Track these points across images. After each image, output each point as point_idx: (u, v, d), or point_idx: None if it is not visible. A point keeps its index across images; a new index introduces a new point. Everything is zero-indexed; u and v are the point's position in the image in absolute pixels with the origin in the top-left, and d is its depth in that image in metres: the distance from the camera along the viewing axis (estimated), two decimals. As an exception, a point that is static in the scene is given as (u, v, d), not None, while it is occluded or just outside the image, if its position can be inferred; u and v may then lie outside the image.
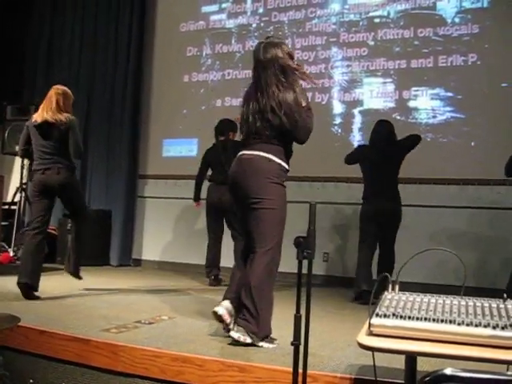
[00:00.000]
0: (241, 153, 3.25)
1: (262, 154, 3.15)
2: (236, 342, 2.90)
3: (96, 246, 7.02)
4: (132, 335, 3.06)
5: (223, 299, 3.24)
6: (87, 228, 5.74)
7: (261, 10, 7.07)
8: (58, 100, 4.65)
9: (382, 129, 5.25)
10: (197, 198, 5.99)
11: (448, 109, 6.10)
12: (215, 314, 3.10)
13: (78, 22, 7.88)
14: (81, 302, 4.10)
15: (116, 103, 7.50)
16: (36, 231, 4.46)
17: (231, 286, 3.35)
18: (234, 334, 2.92)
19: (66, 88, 4.83)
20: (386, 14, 6.46)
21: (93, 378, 2.81)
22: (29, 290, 4.26)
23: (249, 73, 6.90)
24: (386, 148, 5.13)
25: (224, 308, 3.12)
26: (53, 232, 7.13)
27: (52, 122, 4.56)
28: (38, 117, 4.61)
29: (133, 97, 7.43)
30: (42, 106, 4.70)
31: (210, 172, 5.98)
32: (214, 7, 7.32)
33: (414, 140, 5.19)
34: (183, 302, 4.53)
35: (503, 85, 5.85)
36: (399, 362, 2.22)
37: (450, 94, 6.09)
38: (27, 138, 4.73)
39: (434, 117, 6.16)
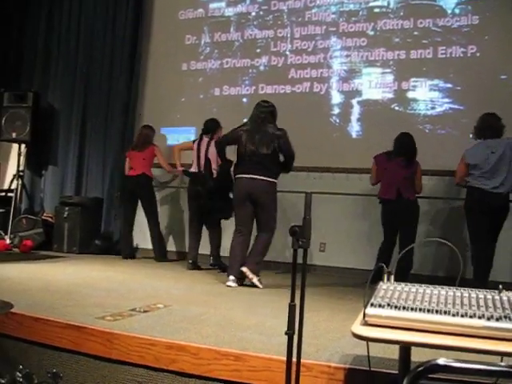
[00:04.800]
0: None
1: None
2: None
3: (89, 235, 7.02)
4: (127, 323, 3.05)
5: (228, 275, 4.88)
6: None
7: (260, -1, 7.03)
8: None
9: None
10: None
11: (447, 100, 6.09)
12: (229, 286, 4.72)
13: (75, 10, 7.83)
14: (76, 290, 4.09)
15: (113, 91, 7.47)
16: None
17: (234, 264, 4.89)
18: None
19: None
20: (385, 4, 6.43)
21: (87, 366, 2.80)
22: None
23: (247, 61, 6.99)
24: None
25: (232, 281, 4.82)
26: (49, 220, 7.12)
27: None
28: None
29: (130, 85, 7.40)
30: None
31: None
32: (214, -5, 7.28)
33: None
34: (179, 290, 4.52)
35: (502, 77, 5.84)
36: (393, 353, 2.22)
37: (449, 86, 6.08)
38: None
39: (433, 108, 6.15)
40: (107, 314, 3.22)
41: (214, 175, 6.02)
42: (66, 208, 6.96)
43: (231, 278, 4.88)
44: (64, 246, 6.86)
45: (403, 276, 4.71)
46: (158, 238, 6.68)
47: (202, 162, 6.05)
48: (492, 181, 4.96)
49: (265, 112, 5.07)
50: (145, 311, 3.44)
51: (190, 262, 6.05)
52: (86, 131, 7.60)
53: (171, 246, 7.17)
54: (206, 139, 6.13)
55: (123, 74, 7.42)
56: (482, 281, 4.83)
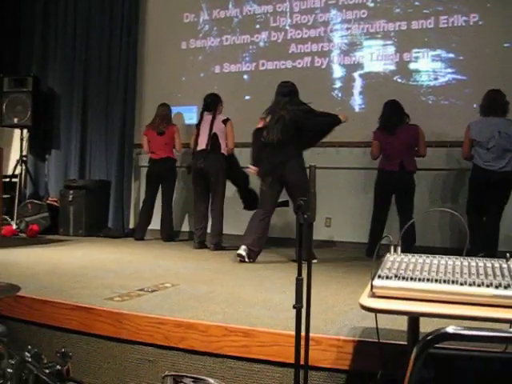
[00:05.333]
0: None
1: None
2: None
3: (95, 217, 7.04)
4: (135, 303, 3.07)
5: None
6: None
7: (258, -26, 6.94)
8: None
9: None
10: None
11: (449, 70, 6.03)
12: (239, 255, 4.94)
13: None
14: (84, 273, 4.10)
15: (113, 72, 7.41)
16: None
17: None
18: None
19: None
20: (385, -26, 6.33)
21: (97, 346, 2.82)
22: None
23: (247, 38, 6.93)
24: None
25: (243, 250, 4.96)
26: (54, 204, 7.14)
27: None
28: None
29: (129, 66, 7.35)
30: None
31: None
32: (211, -29, 7.19)
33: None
34: (186, 269, 4.53)
35: (505, 45, 5.77)
36: (402, 324, 2.22)
37: (451, 56, 6.02)
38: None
39: (436, 79, 6.10)
40: (115, 295, 3.23)
41: (223, 151, 5.98)
42: (71, 191, 6.96)
43: (243, 247, 4.98)
44: (70, 229, 6.87)
45: (408, 248, 4.72)
46: (169, 220, 6.69)
47: (206, 139, 5.96)
48: (499, 161, 5.09)
49: (282, 93, 5.18)
50: (153, 291, 3.45)
51: (197, 241, 6.05)
52: (88, 114, 7.57)
53: (178, 227, 7.17)
54: (208, 116, 6.06)
55: (122, 54, 7.36)
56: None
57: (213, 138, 5.95)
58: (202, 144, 5.99)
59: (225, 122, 6.03)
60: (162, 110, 6.70)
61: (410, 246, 5.02)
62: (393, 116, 5.55)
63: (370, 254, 5.44)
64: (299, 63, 6.67)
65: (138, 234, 6.67)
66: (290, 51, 6.72)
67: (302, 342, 2.06)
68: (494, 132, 5.08)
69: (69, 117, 7.63)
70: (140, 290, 3.45)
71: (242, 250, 4.96)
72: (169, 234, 6.66)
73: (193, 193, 6.23)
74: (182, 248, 6.08)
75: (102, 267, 4.42)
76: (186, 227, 7.20)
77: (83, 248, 5.75)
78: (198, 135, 6.07)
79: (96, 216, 7.05)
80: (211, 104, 6.09)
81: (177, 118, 7.08)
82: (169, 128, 6.59)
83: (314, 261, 4.89)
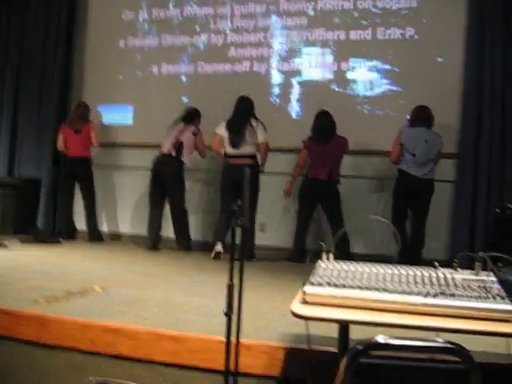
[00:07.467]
0: None
1: None
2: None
3: (24, 216, 6.79)
4: (62, 306, 2.97)
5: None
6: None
7: (200, -25, 6.89)
8: None
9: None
10: None
11: (385, 81, 6.16)
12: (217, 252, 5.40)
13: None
14: (9, 274, 3.94)
15: (47, 68, 7.16)
16: None
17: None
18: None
19: None
20: (326, -16, 6.41)
21: (20, 351, 2.71)
22: None
23: (186, 39, 6.86)
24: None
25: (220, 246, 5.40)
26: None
27: None
28: None
29: (65, 61, 7.12)
30: None
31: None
32: (152, -30, 7.09)
33: None
34: (116, 271, 4.43)
35: (439, 59, 5.93)
36: (333, 331, 2.23)
37: (387, 67, 6.15)
38: None
39: (372, 89, 6.21)
40: (41, 298, 3.12)
41: (185, 160, 5.99)
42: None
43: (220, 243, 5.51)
44: (-4, 227, 6.60)
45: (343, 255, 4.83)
46: (93, 220, 6.59)
47: (170, 144, 5.95)
48: (423, 168, 5.37)
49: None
50: (81, 294, 3.35)
51: (151, 243, 6.00)
52: (19, 107, 7.29)
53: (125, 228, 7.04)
54: (181, 125, 6.04)
55: (59, 49, 7.12)
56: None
57: (178, 145, 5.95)
58: (165, 148, 5.99)
59: (195, 133, 6.03)
60: (80, 109, 6.63)
61: (344, 254, 5.10)
62: (325, 128, 5.67)
63: (290, 259, 5.72)
64: (238, 67, 6.65)
65: (64, 234, 6.55)
66: (229, 55, 6.69)
67: (233, 348, 2.04)
68: (421, 140, 5.35)
69: (-1, 110, 7.35)
70: (68, 292, 3.34)
71: (220, 247, 5.39)
72: (95, 234, 6.55)
73: (148, 193, 6.17)
74: (111, 250, 5.95)
75: (29, 268, 4.26)
76: (123, 229, 7.03)
77: (10, 248, 5.52)
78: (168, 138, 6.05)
79: (26, 216, 6.81)
80: (188, 117, 6.10)
81: (96, 116, 6.95)
82: (85, 126, 6.51)
83: (254, 259, 5.45)
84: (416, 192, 5.39)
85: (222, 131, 5.73)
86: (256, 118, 5.71)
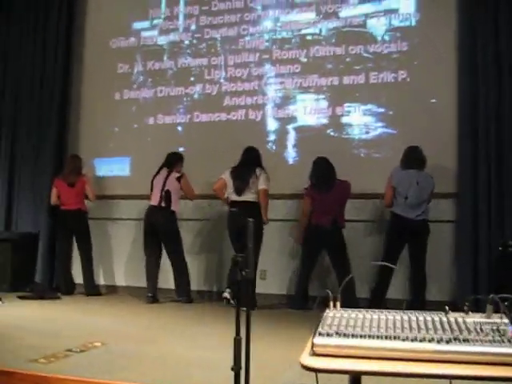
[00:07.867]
0: None
1: None
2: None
3: (22, 271, 6.69)
4: (62, 365, 2.89)
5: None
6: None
7: (193, 27, 7.00)
8: None
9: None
10: None
11: (380, 124, 6.19)
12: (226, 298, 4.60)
13: (2, 37, 7.57)
14: (7, 332, 3.85)
15: (43, 121, 7.19)
16: None
17: None
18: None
19: None
20: (317, 31, 6.52)
21: (19, 414, 2.62)
22: None
23: (181, 90, 6.92)
24: None
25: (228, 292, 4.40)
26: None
27: None
28: None
29: (61, 115, 7.17)
30: None
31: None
32: (146, 24, 7.20)
33: None
34: (116, 325, 4.35)
35: (432, 101, 5.98)
36: (344, 381, 2.15)
37: (381, 110, 6.19)
38: None
39: (367, 132, 6.24)
40: (41, 357, 3.04)
41: (174, 208, 5.99)
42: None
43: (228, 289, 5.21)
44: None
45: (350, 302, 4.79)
46: (90, 273, 6.53)
47: (158, 195, 5.96)
48: (416, 210, 5.36)
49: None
50: (81, 351, 3.27)
51: (150, 295, 5.91)
52: (15, 161, 7.30)
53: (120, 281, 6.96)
54: (164, 172, 6.05)
55: (55, 103, 7.18)
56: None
57: (166, 195, 5.94)
58: (154, 200, 6.00)
59: (179, 179, 6.03)
60: (72, 162, 6.64)
61: (351, 300, 5.03)
62: (325, 174, 5.66)
63: (293, 306, 5.63)
64: (233, 116, 6.70)
65: (63, 288, 6.45)
66: (224, 104, 6.74)
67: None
68: (413, 182, 5.36)
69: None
70: (68, 350, 3.26)
71: (227, 293, 5.13)
72: (92, 288, 6.47)
73: (143, 243, 6.14)
74: (109, 303, 5.86)
75: (27, 326, 4.17)
76: (121, 281, 6.94)
77: (7, 306, 5.42)
78: (151, 190, 6.07)
79: (24, 271, 6.72)
80: (170, 161, 6.12)
81: (90, 169, 6.97)
82: (79, 179, 6.51)
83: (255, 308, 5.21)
84: (411, 234, 5.36)
85: (227, 177, 5.74)
86: (262, 168, 5.73)
